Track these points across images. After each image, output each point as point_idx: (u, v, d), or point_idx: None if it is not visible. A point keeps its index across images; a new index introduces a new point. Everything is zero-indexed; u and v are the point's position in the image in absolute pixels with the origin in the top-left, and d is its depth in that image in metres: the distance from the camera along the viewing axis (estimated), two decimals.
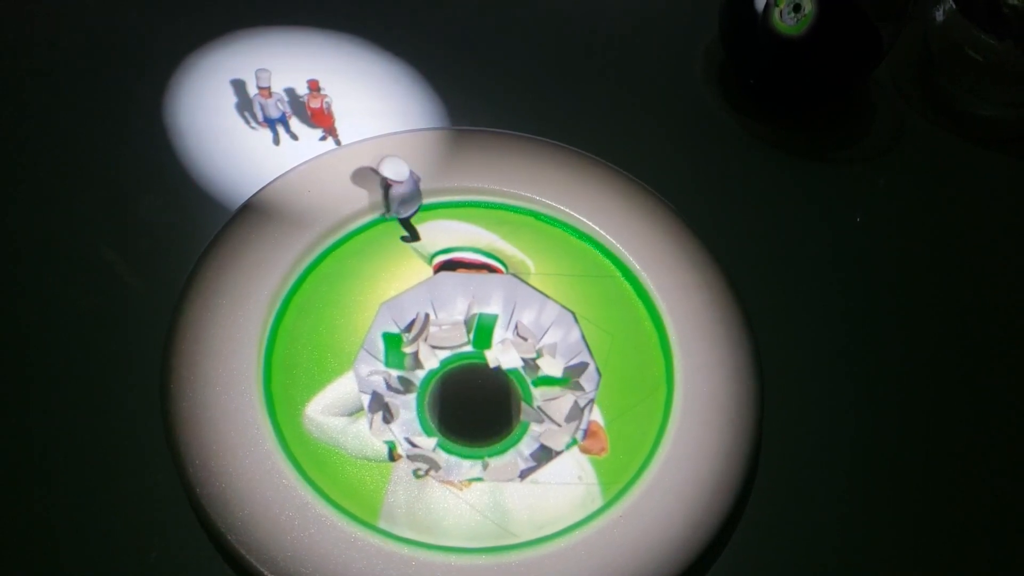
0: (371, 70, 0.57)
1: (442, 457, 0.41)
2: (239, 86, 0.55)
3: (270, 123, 0.53)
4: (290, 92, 0.55)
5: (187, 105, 0.54)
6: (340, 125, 0.54)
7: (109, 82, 0.55)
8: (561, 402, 0.42)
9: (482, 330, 0.44)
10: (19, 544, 0.39)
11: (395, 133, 0.52)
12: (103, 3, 0.60)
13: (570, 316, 0.45)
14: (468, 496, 0.40)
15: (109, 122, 0.53)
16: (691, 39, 0.63)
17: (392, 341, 0.44)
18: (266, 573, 0.37)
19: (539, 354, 0.44)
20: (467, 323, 0.44)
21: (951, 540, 0.44)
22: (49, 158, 0.51)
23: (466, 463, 0.41)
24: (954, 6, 0.57)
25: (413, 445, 0.41)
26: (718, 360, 0.45)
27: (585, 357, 0.44)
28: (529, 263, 0.47)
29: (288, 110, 0.54)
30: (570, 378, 0.43)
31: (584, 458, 0.41)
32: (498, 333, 0.44)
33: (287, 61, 0.56)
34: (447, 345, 0.44)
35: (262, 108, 0.54)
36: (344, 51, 0.58)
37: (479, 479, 0.40)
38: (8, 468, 0.41)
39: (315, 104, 0.54)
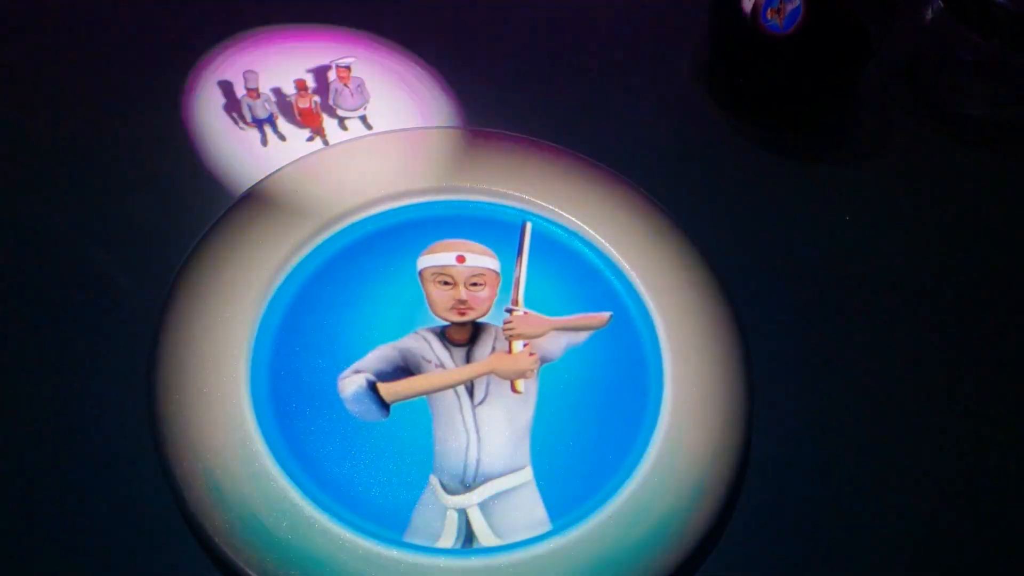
0: (362, 69, 0.57)
1: None
2: (227, 87, 0.55)
3: (258, 124, 0.53)
4: (277, 92, 0.55)
5: (177, 106, 0.54)
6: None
7: (97, 82, 0.55)
8: None
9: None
10: (3, 547, 0.39)
11: (383, 132, 0.52)
12: (92, 2, 0.60)
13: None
14: (458, 499, 0.40)
15: (96, 122, 0.53)
16: (679, 38, 0.63)
17: None
18: None
19: None
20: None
21: (947, 542, 0.44)
22: (32, 157, 0.51)
23: None
24: (942, 6, 0.58)
25: None
26: (708, 359, 0.45)
27: None
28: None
29: (275, 111, 0.54)
30: None
31: None
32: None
33: (274, 61, 0.56)
34: None
35: (250, 109, 0.54)
36: (330, 49, 0.58)
37: None
38: None
39: (304, 104, 0.54)
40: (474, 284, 0.46)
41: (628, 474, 0.41)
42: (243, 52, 0.57)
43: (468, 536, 0.39)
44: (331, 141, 0.53)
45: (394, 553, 0.38)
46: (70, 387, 0.43)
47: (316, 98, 0.54)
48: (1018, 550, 0.43)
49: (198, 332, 0.42)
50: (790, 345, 0.49)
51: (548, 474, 0.41)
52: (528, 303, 0.46)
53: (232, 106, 0.54)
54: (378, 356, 0.43)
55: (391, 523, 0.39)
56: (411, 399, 0.42)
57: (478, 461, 0.41)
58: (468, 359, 0.44)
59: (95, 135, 0.52)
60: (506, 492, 0.41)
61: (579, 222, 0.49)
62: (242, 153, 0.52)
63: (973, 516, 0.44)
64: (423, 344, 0.44)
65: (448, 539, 0.39)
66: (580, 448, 0.42)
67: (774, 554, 0.42)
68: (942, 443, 0.46)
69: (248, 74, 0.55)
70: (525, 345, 0.45)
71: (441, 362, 0.44)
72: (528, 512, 0.40)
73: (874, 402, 0.47)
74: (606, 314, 0.46)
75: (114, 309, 0.46)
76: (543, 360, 0.44)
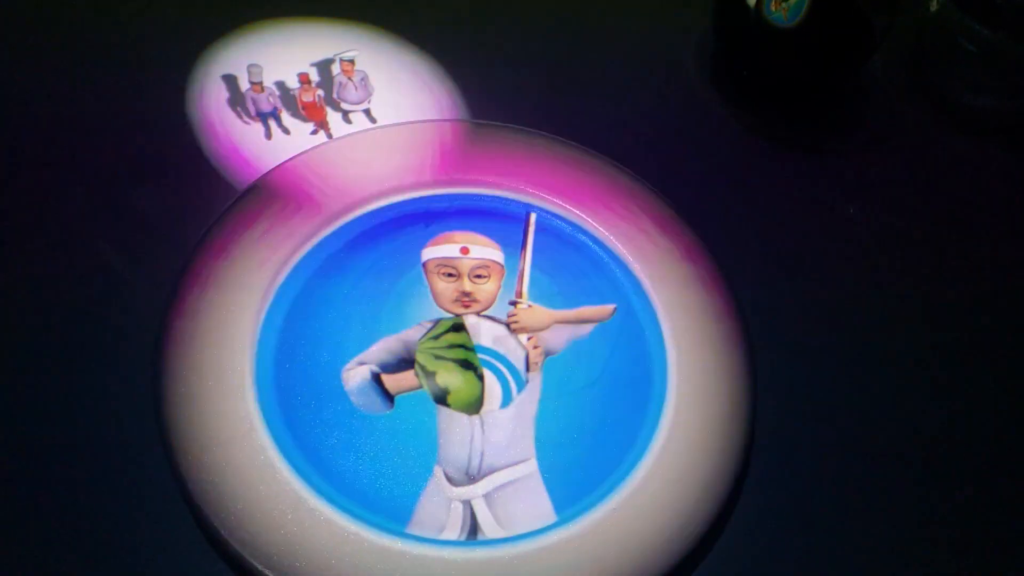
0: (366, 62, 0.57)
1: None
2: (231, 81, 0.55)
3: (262, 117, 0.54)
4: (281, 86, 0.55)
5: (181, 100, 0.54)
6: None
7: (101, 76, 0.55)
8: None
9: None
10: (9, 539, 0.39)
11: (387, 125, 0.52)
12: None
13: None
14: (463, 490, 0.40)
15: (100, 115, 0.53)
16: (683, 29, 0.63)
17: None
18: (259, 567, 0.37)
19: None
20: None
21: (946, 540, 0.44)
22: (36, 151, 0.51)
23: None
24: None
25: None
26: (712, 352, 0.45)
27: None
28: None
29: (279, 104, 0.54)
30: None
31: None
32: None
33: (278, 55, 0.56)
34: None
35: (254, 103, 0.54)
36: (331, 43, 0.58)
37: None
38: None
39: (307, 98, 0.54)
40: (478, 276, 0.46)
41: (632, 466, 0.41)
42: (247, 46, 0.57)
43: (472, 528, 0.39)
44: (335, 135, 0.53)
45: (398, 544, 0.38)
46: (76, 379, 0.43)
47: (320, 92, 0.54)
48: (1019, 549, 0.43)
49: (203, 325, 0.43)
50: (794, 337, 0.49)
51: (552, 466, 0.41)
52: (532, 296, 0.46)
53: (236, 100, 0.54)
54: (382, 348, 0.43)
55: (395, 514, 0.39)
56: (415, 391, 0.43)
57: (482, 453, 0.41)
58: None
59: (99, 128, 0.53)
60: (510, 484, 0.41)
61: (583, 214, 0.49)
62: (246, 147, 0.52)
63: (975, 515, 0.44)
64: None
65: (452, 531, 0.39)
66: (584, 440, 0.42)
67: (775, 553, 0.42)
68: (946, 440, 0.46)
69: (252, 68, 0.55)
70: (529, 338, 0.45)
71: None
72: (532, 504, 0.40)
73: (877, 396, 0.47)
74: (610, 307, 0.46)
75: (119, 302, 0.46)
76: (547, 353, 0.44)
